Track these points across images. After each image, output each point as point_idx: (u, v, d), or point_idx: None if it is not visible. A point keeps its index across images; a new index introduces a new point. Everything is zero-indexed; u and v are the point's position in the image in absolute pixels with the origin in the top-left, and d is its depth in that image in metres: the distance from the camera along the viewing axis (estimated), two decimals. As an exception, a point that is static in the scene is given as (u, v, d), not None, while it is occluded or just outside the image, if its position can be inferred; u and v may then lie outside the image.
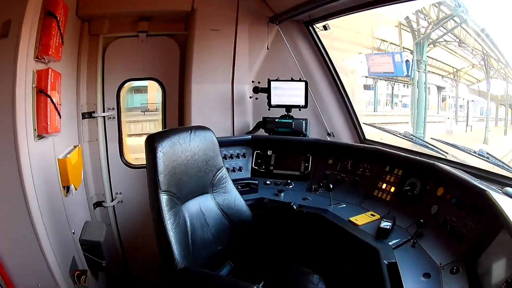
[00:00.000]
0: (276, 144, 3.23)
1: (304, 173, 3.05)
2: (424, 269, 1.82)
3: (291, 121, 3.35)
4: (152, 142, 2.01)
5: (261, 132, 3.46)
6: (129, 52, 3.41)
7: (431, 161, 2.44)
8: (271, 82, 3.38)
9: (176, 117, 3.58)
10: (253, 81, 3.53)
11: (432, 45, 5.60)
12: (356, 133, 3.59)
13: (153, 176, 1.98)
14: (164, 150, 2.02)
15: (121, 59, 3.40)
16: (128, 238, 3.64)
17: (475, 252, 1.75)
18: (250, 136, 3.29)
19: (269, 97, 3.41)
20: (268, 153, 3.20)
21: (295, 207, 2.45)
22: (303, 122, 3.34)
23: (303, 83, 3.34)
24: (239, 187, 2.66)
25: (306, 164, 3.07)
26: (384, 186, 2.63)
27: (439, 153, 2.84)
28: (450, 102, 7.68)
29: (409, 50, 5.69)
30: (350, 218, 2.36)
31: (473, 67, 5.69)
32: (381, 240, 2.09)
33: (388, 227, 2.14)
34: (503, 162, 2.43)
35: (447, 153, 2.81)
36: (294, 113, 3.42)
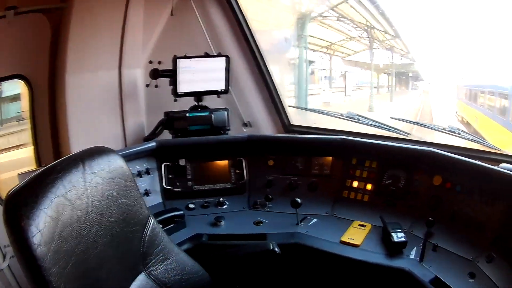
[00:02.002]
0: (192, 150, 2.31)
1: (238, 184, 2.28)
2: (463, 270, 1.62)
3: (208, 113, 2.42)
4: (16, 221, 0.92)
5: (165, 135, 2.49)
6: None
7: (425, 148, 2.06)
8: (179, 60, 2.35)
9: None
10: (151, 62, 2.44)
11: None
12: (280, 119, 2.92)
13: None
14: (45, 233, 0.93)
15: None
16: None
17: (504, 235, 1.63)
18: (154, 143, 2.25)
19: (175, 82, 2.38)
20: (181, 163, 2.26)
21: (277, 250, 1.64)
22: (225, 113, 2.46)
23: (223, 58, 2.44)
24: (160, 226, 1.67)
25: (238, 171, 2.30)
26: (356, 184, 2.18)
27: (399, 133, 2.45)
28: (320, 75, 7.93)
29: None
30: (341, 238, 1.85)
31: (350, 39, 5.78)
32: (399, 256, 1.73)
33: (403, 239, 1.76)
34: (477, 136, 2.28)
35: (409, 133, 2.47)
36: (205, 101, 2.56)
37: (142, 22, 2.51)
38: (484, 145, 2.27)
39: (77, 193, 1.04)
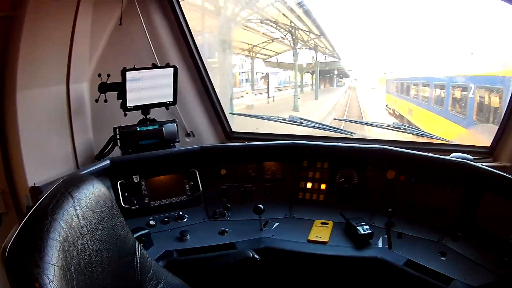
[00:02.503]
0: (145, 165, 2.22)
1: (193, 196, 2.25)
2: (433, 250, 1.77)
3: (158, 127, 2.33)
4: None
5: (116, 152, 2.34)
6: None
7: (377, 146, 2.23)
8: (127, 72, 2.22)
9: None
10: (99, 75, 2.25)
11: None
12: (222, 127, 2.91)
13: None
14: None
15: None
16: None
17: (466, 216, 1.82)
18: (107, 161, 2.11)
19: (123, 96, 2.25)
20: (135, 179, 2.17)
21: (257, 257, 1.66)
22: (175, 125, 2.40)
23: (171, 69, 2.36)
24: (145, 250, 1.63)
25: (192, 183, 2.27)
26: (309, 185, 2.28)
27: (343, 133, 2.63)
28: (241, 77, 7.96)
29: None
30: (308, 238, 1.93)
31: (272, 41, 5.91)
32: (369, 247, 1.84)
33: (369, 230, 1.87)
34: (424, 131, 2.57)
35: (353, 132, 2.64)
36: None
37: (90, 32, 2.31)
38: (432, 138, 2.54)
39: (76, 234, 0.96)
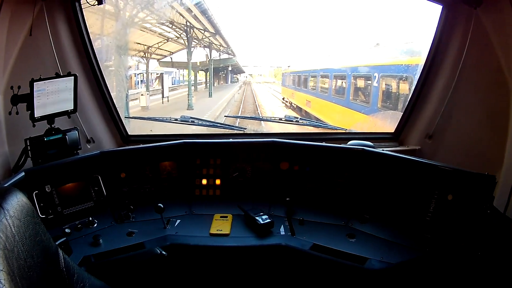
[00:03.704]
0: (53, 174, 2.22)
1: (100, 201, 2.31)
2: (340, 233, 1.85)
3: (61, 135, 2.36)
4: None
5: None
6: None
7: (267, 140, 2.36)
8: (35, 83, 2.20)
9: None
10: (11, 87, 2.20)
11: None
12: (118, 132, 2.96)
13: None
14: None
15: None
16: None
17: (369, 199, 1.92)
18: (22, 174, 2.08)
19: (31, 107, 2.22)
20: (47, 189, 2.17)
21: (164, 253, 1.81)
22: (76, 133, 2.44)
23: (71, 78, 2.38)
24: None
25: (97, 188, 2.33)
26: (205, 181, 2.40)
27: (234, 129, 2.78)
28: (137, 79, 7.63)
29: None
30: (210, 231, 2.03)
31: (167, 41, 5.85)
32: (271, 236, 1.94)
33: (268, 220, 1.98)
34: (314, 121, 2.86)
35: (245, 128, 2.79)
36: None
37: (5, 43, 2.22)
38: (328, 128, 2.70)
39: (11, 242, 1.07)
